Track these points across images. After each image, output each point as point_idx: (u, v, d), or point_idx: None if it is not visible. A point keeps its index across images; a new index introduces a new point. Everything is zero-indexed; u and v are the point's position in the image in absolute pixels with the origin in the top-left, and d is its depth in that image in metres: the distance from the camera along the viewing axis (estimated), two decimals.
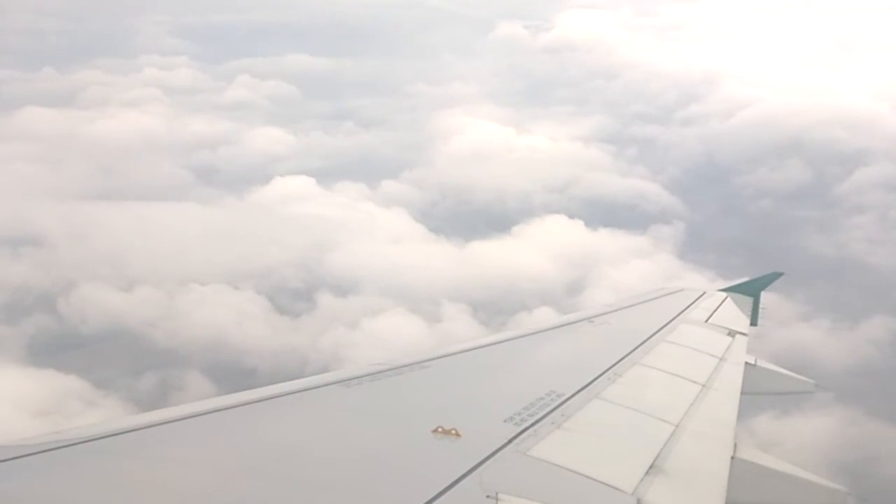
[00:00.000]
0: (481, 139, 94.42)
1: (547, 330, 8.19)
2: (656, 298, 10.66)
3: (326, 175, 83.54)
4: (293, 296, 55.49)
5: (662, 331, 8.46)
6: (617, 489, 4.28)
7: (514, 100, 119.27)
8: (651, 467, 4.70)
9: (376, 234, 64.38)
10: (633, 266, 60.53)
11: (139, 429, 4.22)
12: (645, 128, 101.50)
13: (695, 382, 6.81)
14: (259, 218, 65.82)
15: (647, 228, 70.05)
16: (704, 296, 10.93)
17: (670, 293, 11.18)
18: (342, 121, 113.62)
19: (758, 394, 8.22)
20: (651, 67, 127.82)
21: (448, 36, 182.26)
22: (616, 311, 9.42)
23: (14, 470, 3.57)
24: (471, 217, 72.42)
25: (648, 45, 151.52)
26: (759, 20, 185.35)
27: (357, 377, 5.49)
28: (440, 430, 4.55)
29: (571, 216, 70.02)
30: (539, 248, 62.19)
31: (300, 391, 5.13)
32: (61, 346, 49.03)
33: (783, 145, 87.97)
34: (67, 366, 44.20)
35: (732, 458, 5.32)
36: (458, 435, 4.51)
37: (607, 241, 66.03)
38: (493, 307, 52.52)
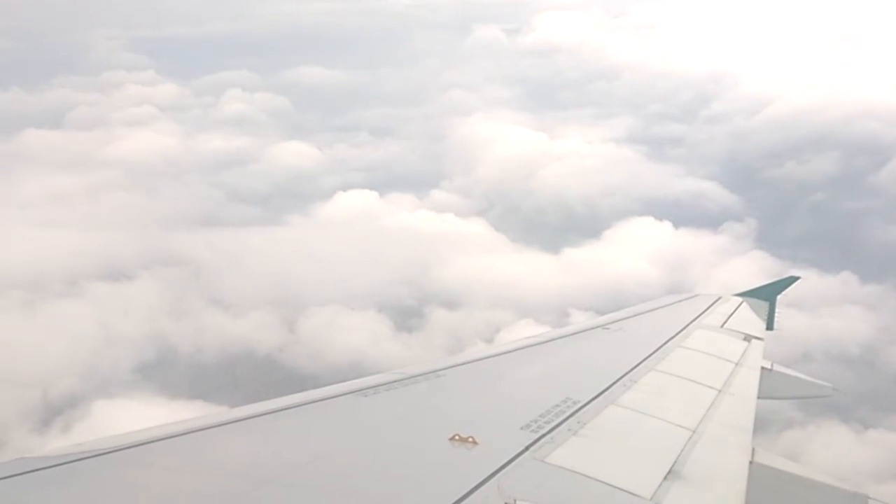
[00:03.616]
0: (517, 145, 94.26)
1: (562, 337, 8.19)
2: (671, 304, 10.77)
3: (371, 188, 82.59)
4: (410, 313, 54.55)
5: (678, 336, 8.46)
6: (635, 495, 4.27)
7: (525, 104, 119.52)
8: (669, 473, 4.69)
9: (466, 246, 63.74)
10: (732, 265, 61.35)
11: (159, 440, 4.22)
12: (670, 127, 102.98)
13: (711, 388, 6.82)
14: (345, 235, 64.38)
15: (720, 226, 71.04)
16: (720, 301, 10.96)
17: (686, 298, 11.29)
18: (354, 132, 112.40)
19: (775, 398, 8.28)
20: (651, 67, 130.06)
21: (424, 42, 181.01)
22: (631, 317, 9.45)
23: (37, 482, 3.60)
24: (544, 224, 72.38)
25: (635, 45, 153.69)
26: (730, 17, 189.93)
27: (373, 387, 5.50)
28: (457, 437, 4.55)
29: (642, 217, 70.59)
30: (636, 252, 62.46)
31: (317, 401, 5.14)
32: (186, 375, 47.17)
33: (815, 140, 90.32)
34: (197, 394, 42.64)
35: (751, 463, 5.31)
36: (474, 443, 4.51)
37: (693, 241, 66.70)
38: None
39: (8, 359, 40.16)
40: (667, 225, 67.74)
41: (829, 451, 39.48)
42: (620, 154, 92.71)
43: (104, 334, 45.01)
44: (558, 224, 71.40)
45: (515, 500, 3.89)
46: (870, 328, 51.90)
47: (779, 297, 11.66)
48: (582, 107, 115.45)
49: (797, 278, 12.47)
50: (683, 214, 72.79)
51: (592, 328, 8.72)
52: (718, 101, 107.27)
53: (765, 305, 11.20)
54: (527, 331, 50.92)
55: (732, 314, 10.34)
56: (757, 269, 60.50)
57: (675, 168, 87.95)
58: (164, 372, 45.80)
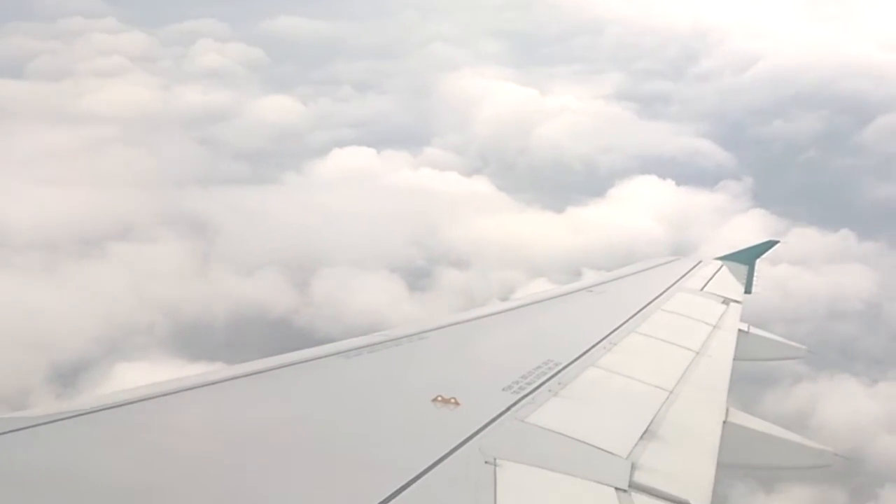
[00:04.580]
0: (508, 101, 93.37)
1: (545, 300, 8.35)
2: (653, 267, 11.01)
3: (363, 144, 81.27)
4: (422, 273, 54.16)
5: (658, 299, 8.65)
6: (612, 454, 4.40)
7: (510, 60, 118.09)
8: (645, 432, 4.83)
9: (471, 205, 63.24)
10: (734, 223, 61.91)
11: (139, 401, 4.22)
12: (658, 84, 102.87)
13: (689, 350, 7.01)
14: (348, 194, 63.31)
15: (717, 185, 71.51)
16: (700, 264, 11.26)
17: (667, 262, 11.58)
18: (336, 86, 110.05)
19: (751, 360, 8.49)
20: (635, 22, 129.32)
21: None
22: (613, 280, 9.74)
23: (21, 440, 3.62)
24: (543, 182, 72.09)
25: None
26: None
27: (356, 348, 5.56)
28: (439, 399, 4.63)
29: (645, 176, 70.68)
30: (641, 211, 62.65)
31: (300, 363, 5.19)
32: (201, 337, 46.31)
33: (804, 97, 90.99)
34: (215, 356, 41.97)
35: (724, 422, 5.50)
36: (457, 404, 4.60)
37: (694, 199, 67.08)
38: None
39: (27, 320, 38.98)
40: (669, 183, 67.95)
41: (842, 404, 40.31)
42: (611, 111, 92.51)
43: (116, 296, 43.84)
44: (558, 182, 71.20)
45: (496, 460, 3.92)
46: (872, 284, 53.02)
47: (757, 260, 11.83)
48: (569, 62, 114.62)
49: (776, 242, 12.53)
50: (680, 172, 72.99)
51: (575, 291, 8.78)
52: (707, 59, 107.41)
53: (744, 269, 11.30)
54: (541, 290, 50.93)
55: (712, 278, 10.47)
56: (759, 226, 61.20)
57: (667, 126, 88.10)
58: (180, 335, 44.94)
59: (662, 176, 70.74)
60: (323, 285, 50.56)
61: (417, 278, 53.82)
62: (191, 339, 45.08)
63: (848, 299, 50.18)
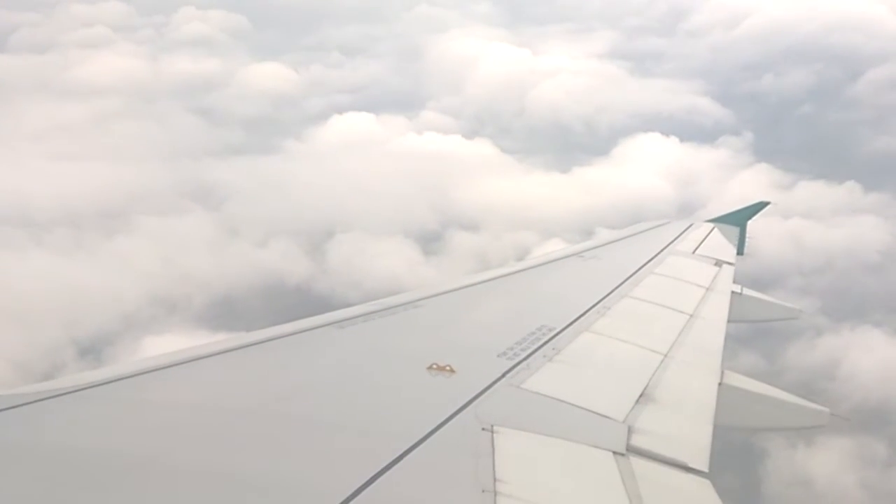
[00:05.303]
0: (501, 62, 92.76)
1: (537, 266, 8.39)
2: (645, 231, 11.04)
3: (359, 110, 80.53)
4: (435, 237, 54.12)
5: (651, 263, 8.67)
6: (608, 418, 4.42)
7: (499, 20, 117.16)
8: (641, 396, 4.85)
9: (477, 167, 63.14)
10: (740, 178, 62.31)
11: (137, 374, 4.25)
12: (650, 41, 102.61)
13: (682, 312, 7.00)
14: (353, 160, 62.97)
15: (717, 140, 71.80)
16: (692, 227, 11.22)
17: (658, 225, 11.58)
18: (324, 52, 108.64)
19: (745, 322, 8.58)
20: None
21: None
22: (605, 244, 9.68)
23: (11, 419, 3.60)
24: (543, 143, 72.06)
25: None
26: None
27: (350, 318, 5.55)
28: (435, 366, 4.64)
29: (648, 133, 70.76)
30: (647, 169, 62.87)
31: (295, 333, 5.20)
32: (224, 308, 46.15)
33: (797, 52, 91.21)
34: (235, 327, 41.97)
35: (720, 384, 5.51)
36: (452, 371, 4.60)
37: (696, 156, 67.37)
38: None
39: (53, 296, 38.67)
40: (673, 140, 68.13)
41: (868, 354, 40.90)
42: (606, 70, 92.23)
43: (141, 270, 43.52)
44: (560, 143, 71.27)
45: (493, 426, 3.92)
46: (885, 235, 53.48)
47: (747, 217, 11.84)
48: (559, 22, 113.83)
49: (767, 203, 12.38)
50: (680, 130, 73.22)
51: (568, 256, 8.75)
52: (697, 14, 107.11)
53: (735, 231, 11.27)
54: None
55: (704, 240, 10.44)
56: (766, 181, 61.76)
57: (662, 83, 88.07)
58: (204, 307, 44.78)
59: (664, 133, 71.03)
60: (339, 252, 50.47)
61: (430, 242, 53.89)
62: (214, 311, 44.98)
63: (863, 251, 50.72)
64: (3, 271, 38.91)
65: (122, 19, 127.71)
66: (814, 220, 53.90)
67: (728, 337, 6.76)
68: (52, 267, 41.09)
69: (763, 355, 41.64)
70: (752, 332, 42.31)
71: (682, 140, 70.61)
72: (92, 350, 38.69)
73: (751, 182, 60.75)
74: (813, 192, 58.86)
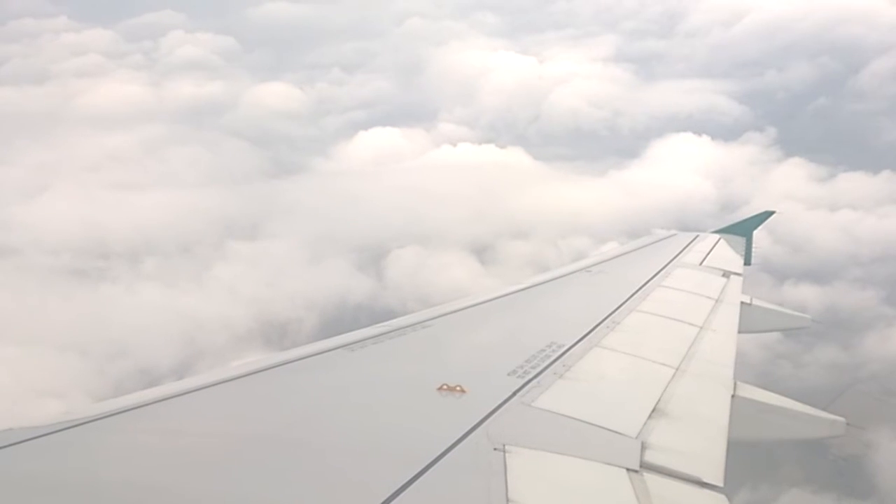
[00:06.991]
0: (508, 71, 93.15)
1: (545, 282, 8.37)
2: (651, 244, 11.04)
3: (374, 124, 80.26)
4: (490, 247, 53.87)
5: (658, 276, 8.68)
6: (621, 434, 4.41)
7: (498, 30, 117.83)
8: (654, 411, 4.84)
9: (514, 176, 63.06)
10: (777, 174, 62.89)
11: (147, 404, 4.29)
12: (651, 43, 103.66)
13: (692, 325, 7.00)
14: (390, 175, 62.53)
15: (741, 137, 72.48)
16: (697, 238, 11.25)
17: (664, 238, 11.70)
18: (324, 70, 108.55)
19: (755, 332, 8.54)
20: None
21: None
22: (611, 259, 9.76)
23: (25, 453, 3.60)
24: (569, 148, 72.21)
25: None
26: None
27: (360, 340, 5.56)
28: (445, 387, 4.65)
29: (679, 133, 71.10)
30: (684, 169, 63.14)
31: (303, 358, 5.23)
32: (292, 329, 45.50)
33: (801, 47, 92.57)
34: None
35: (733, 396, 5.49)
36: (462, 391, 4.61)
37: (727, 153, 67.88)
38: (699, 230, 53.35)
39: (145, 324, 37.82)
40: (705, 139, 68.60)
41: None
42: (612, 73, 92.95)
43: (232, 294, 42.82)
44: (586, 147, 71.47)
45: (505, 446, 3.91)
46: None
47: (753, 227, 11.89)
48: (558, 28, 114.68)
49: (772, 213, 12.49)
50: (702, 129, 73.94)
51: (574, 272, 8.77)
52: (694, 14, 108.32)
53: (742, 241, 11.34)
54: None
55: (710, 251, 10.51)
56: (803, 175, 62.42)
57: (672, 84, 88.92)
58: (273, 328, 44.12)
59: (695, 133, 71.49)
60: (399, 267, 50.06)
61: (484, 252, 53.68)
62: (278, 331, 44.36)
63: None
64: (109, 304, 38.03)
65: (108, 46, 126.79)
66: (862, 210, 54.43)
67: (749, 346, 6.54)
68: (156, 297, 40.21)
69: (837, 350, 42.05)
70: (828, 326, 42.73)
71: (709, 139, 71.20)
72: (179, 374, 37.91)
73: (788, 176, 61.32)
74: (854, 183, 59.43)
